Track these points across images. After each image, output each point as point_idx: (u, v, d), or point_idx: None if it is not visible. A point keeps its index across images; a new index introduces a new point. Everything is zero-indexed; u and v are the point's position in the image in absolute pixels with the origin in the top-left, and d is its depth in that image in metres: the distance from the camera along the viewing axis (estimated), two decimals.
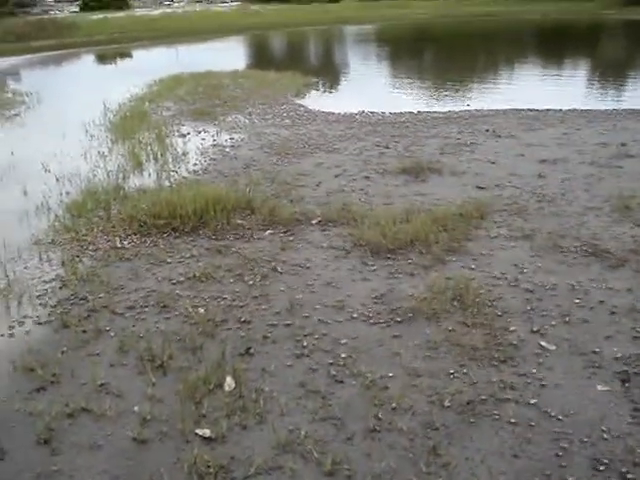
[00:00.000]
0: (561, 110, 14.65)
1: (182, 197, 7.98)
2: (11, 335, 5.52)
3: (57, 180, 10.07)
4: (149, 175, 10.36)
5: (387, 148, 11.40)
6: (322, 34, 48.53)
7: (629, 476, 3.68)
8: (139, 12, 70.80)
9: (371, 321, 5.46)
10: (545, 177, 9.24)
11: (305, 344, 5.15)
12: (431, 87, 20.97)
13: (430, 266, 6.44)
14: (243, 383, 4.64)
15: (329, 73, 25.61)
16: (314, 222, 7.74)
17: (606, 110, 14.85)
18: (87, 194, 9.01)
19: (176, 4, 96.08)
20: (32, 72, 30.40)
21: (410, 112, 15.18)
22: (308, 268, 6.57)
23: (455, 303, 5.64)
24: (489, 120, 13.72)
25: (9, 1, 67.01)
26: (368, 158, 10.71)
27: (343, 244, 7.09)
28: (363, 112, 15.28)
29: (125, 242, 7.42)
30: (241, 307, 5.78)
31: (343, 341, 5.17)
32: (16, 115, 16.88)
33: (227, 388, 4.60)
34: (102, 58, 36.63)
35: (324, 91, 20.62)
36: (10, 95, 20.64)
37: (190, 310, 5.72)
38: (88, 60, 36.34)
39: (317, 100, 17.88)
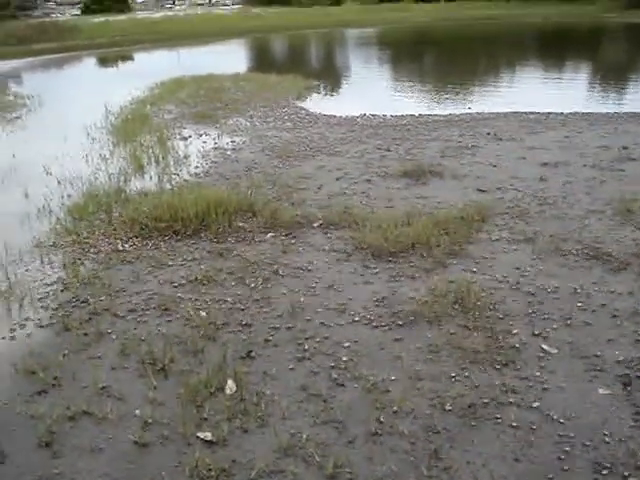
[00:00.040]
0: (563, 113, 14.63)
1: (183, 200, 7.98)
2: (12, 338, 5.52)
3: (58, 183, 10.08)
4: (150, 178, 10.37)
5: (388, 151, 11.39)
6: (323, 37, 48.56)
7: None
8: (140, 15, 70.78)
9: (372, 324, 5.45)
10: (547, 180, 9.23)
11: (306, 347, 5.14)
12: (432, 90, 20.97)
13: (431, 269, 6.44)
14: (244, 386, 4.64)
15: (330, 76, 25.62)
16: (316, 225, 7.73)
17: (608, 113, 14.84)
18: (88, 197, 9.02)
19: (177, 7, 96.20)
20: (34, 75, 30.43)
21: (411, 115, 15.18)
22: (310, 271, 6.57)
23: (456, 306, 5.64)
24: (490, 123, 13.71)
25: (11, 4, 67.04)
26: (369, 161, 10.71)
27: (344, 247, 7.09)
28: (364, 115, 15.27)
29: (126, 245, 7.42)
30: (242, 310, 5.78)
31: (344, 344, 5.16)
32: (18, 118, 16.89)
33: (228, 391, 4.60)
34: (104, 61, 36.67)
35: (325, 94, 20.64)
36: (12, 98, 20.66)
37: (191, 313, 5.71)
38: (90, 63, 36.39)
39: (318, 103, 17.89)
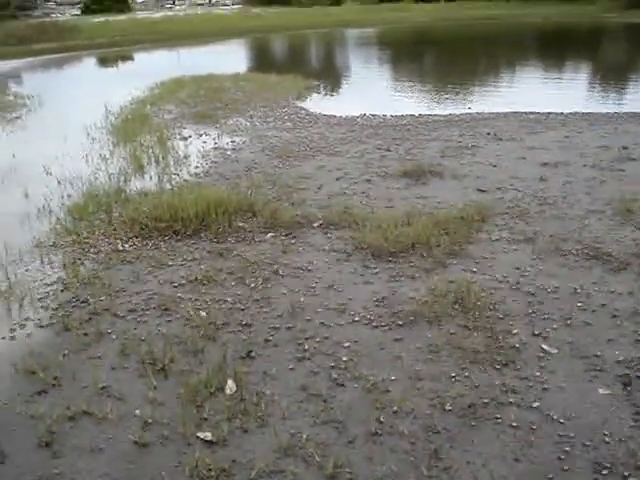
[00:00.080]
0: (563, 113, 14.64)
1: (183, 200, 7.98)
2: (12, 338, 5.52)
3: (58, 183, 10.08)
4: (150, 178, 10.37)
5: (388, 151, 11.40)
6: (323, 37, 48.57)
7: None
8: (140, 15, 70.79)
9: (372, 324, 5.45)
10: (547, 180, 9.23)
11: (306, 347, 5.14)
12: (432, 90, 20.97)
13: (431, 269, 6.44)
14: (244, 386, 4.64)
15: (330, 76, 25.63)
16: (316, 225, 7.73)
17: (608, 113, 14.84)
18: (88, 197, 9.02)
19: (177, 7, 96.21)
20: (34, 75, 30.44)
21: (411, 115, 15.18)
22: (310, 271, 6.57)
23: (456, 306, 5.64)
24: (490, 123, 13.71)
25: (11, 4, 67.05)
26: (369, 161, 10.71)
27: (344, 247, 7.09)
28: (364, 115, 15.28)
29: (127, 245, 7.42)
30: (242, 310, 5.78)
31: (344, 344, 5.16)
32: (18, 118, 16.89)
33: (228, 391, 4.60)
34: (104, 61, 36.67)
35: (325, 94, 20.63)
36: (12, 98, 20.66)
37: (191, 313, 5.71)
38: (90, 63, 36.39)
39: (318, 103, 17.89)
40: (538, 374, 4.68)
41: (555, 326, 5.31)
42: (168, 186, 9.57)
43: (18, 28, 47.08)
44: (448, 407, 4.35)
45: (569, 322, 5.37)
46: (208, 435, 4.16)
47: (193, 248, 7.27)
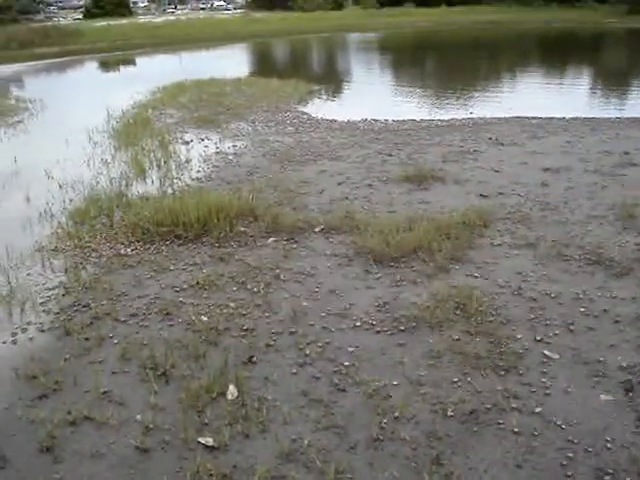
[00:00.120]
0: (564, 118, 14.66)
1: (185, 204, 7.97)
2: (14, 342, 5.52)
3: (60, 187, 10.08)
4: (152, 182, 10.37)
5: (390, 156, 11.39)
6: (325, 42, 48.64)
7: None
8: (142, 19, 70.98)
9: (374, 329, 5.44)
10: (548, 185, 9.23)
11: (308, 352, 5.14)
12: (434, 95, 20.97)
13: (433, 275, 6.43)
14: (246, 392, 4.64)
15: (332, 81, 25.63)
16: (317, 230, 7.73)
17: (609, 118, 14.86)
18: (90, 201, 9.01)
19: (179, 11, 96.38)
20: (35, 79, 30.49)
21: (413, 120, 15.20)
22: (311, 276, 6.56)
23: (458, 312, 5.63)
24: (492, 128, 13.72)
25: (12, 8, 67.18)
26: (371, 166, 10.71)
27: (346, 252, 7.08)
28: (366, 120, 15.30)
29: (128, 249, 7.42)
30: (244, 315, 5.77)
31: (346, 349, 5.16)
32: (19, 122, 16.90)
33: (230, 397, 4.59)
34: (105, 65, 36.71)
35: (327, 99, 20.62)
36: (13, 102, 20.69)
37: (193, 318, 5.71)
38: (91, 67, 36.42)
39: (320, 108, 17.89)
40: (540, 380, 4.68)
41: (557, 332, 5.31)
42: (170, 190, 9.57)
43: (20, 32, 47.18)
44: (450, 413, 4.34)
45: (571, 328, 5.36)
46: (209, 440, 4.15)
47: (195, 253, 7.26)
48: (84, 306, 6.07)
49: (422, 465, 3.89)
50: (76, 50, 41.42)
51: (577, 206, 8.33)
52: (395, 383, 4.70)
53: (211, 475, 3.83)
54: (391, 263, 6.72)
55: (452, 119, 15.32)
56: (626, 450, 3.95)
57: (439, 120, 15.20)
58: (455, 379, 4.72)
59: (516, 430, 4.15)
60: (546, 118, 14.69)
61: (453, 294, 5.88)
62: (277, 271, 6.67)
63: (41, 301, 6.23)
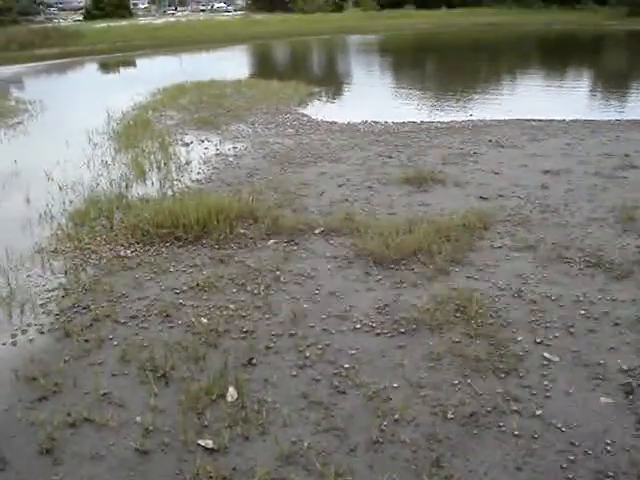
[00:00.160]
0: (564, 120, 14.67)
1: (185, 206, 7.97)
2: (13, 344, 5.51)
3: (60, 188, 10.08)
4: (152, 184, 10.36)
5: (390, 158, 11.40)
6: (325, 44, 48.69)
7: None
8: (142, 21, 71.02)
9: (374, 332, 5.44)
10: (549, 188, 9.23)
11: (308, 354, 5.13)
12: (434, 97, 20.98)
13: (433, 277, 6.43)
14: (245, 394, 4.63)
15: (332, 83, 25.66)
16: (317, 232, 7.72)
17: (609, 121, 14.88)
18: (90, 203, 9.01)
19: (179, 13, 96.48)
20: (35, 80, 30.52)
21: (413, 122, 15.22)
22: (311, 278, 6.56)
23: (458, 314, 5.62)
24: (492, 130, 13.73)
25: (12, 9, 67.23)
26: (371, 168, 10.71)
27: (346, 254, 7.08)
28: (366, 122, 15.31)
29: (128, 251, 7.42)
30: (244, 317, 5.77)
31: (346, 352, 5.15)
32: (19, 123, 16.90)
33: (229, 399, 4.59)
34: (105, 66, 36.74)
35: (327, 101, 20.64)
36: (13, 103, 20.69)
37: (193, 320, 5.71)
38: (92, 68, 36.45)
39: (320, 110, 17.90)
40: (540, 382, 4.67)
41: (557, 334, 5.30)
42: (170, 192, 9.57)
43: (20, 33, 47.23)
44: (450, 415, 4.34)
45: (571, 330, 5.36)
46: (209, 442, 4.15)
47: (195, 254, 7.26)
48: (84, 308, 6.06)
49: (422, 468, 3.88)
50: (76, 51, 41.46)
51: (577, 208, 8.32)
52: (395, 385, 4.69)
53: (211, 477, 3.83)
54: (391, 265, 6.72)
55: (452, 121, 15.33)
56: (626, 453, 3.94)
57: (439, 122, 15.23)
58: (455, 381, 4.71)
59: (516, 433, 4.15)
60: (546, 120, 14.70)
61: (453, 296, 5.88)
62: (277, 273, 6.66)
63: (41, 303, 6.23)
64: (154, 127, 15.01)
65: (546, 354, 5.02)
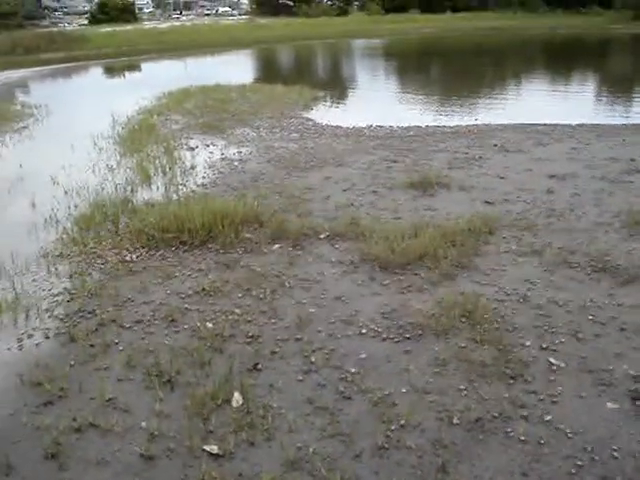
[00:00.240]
0: (570, 125, 14.63)
1: (190, 211, 7.97)
2: (19, 348, 5.51)
3: (65, 193, 10.09)
4: (157, 188, 10.37)
5: (395, 162, 11.39)
6: (330, 48, 48.73)
7: None
8: (147, 25, 71.16)
9: (380, 337, 5.43)
10: (554, 192, 9.21)
11: (313, 360, 5.12)
12: (439, 101, 20.99)
13: (439, 282, 6.41)
14: (251, 399, 4.62)
15: (337, 87, 25.67)
16: (322, 236, 7.72)
17: (615, 125, 14.87)
18: (95, 207, 9.01)
19: (184, 17, 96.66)
20: (41, 84, 30.59)
21: (418, 126, 15.20)
22: (317, 282, 6.55)
23: (464, 319, 5.61)
24: (497, 135, 13.71)
25: (18, 14, 67.45)
26: (376, 172, 10.70)
27: (351, 259, 7.07)
28: (371, 126, 15.30)
29: (133, 256, 7.42)
30: (249, 322, 5.76)
31: (352, 357, 5.14)
32: (25, 127, 16.94)
33: (235, 404, 4.58)
34: (111, 71, 36.82)
35: (332, 105, 20.66)
36: (19, 107, 20.74)
37: (198, 324, 5.70)
38: (97, 73, 36.53)
39: (325, 114, 17.92)
40: (546, 388, 4.66)
41: (563, 339, 5.29)
42: (175, 197, 9.57)
43: (26, 38, 47.39)
44: (456, 421, 4.33)
45: (577, 335, 5.34)
46: (214, 448, 4.14)
47: (200, 259, 7.26)
48: (89, 312, 6.06)
49: (428, 473, 3.87)
50: (81, 56, 41.55)
51: (583, 213, 8.31)
52: (401, 391, 4.68)
53: None
54: (396, 270, 6.71)
55: (457, 125, 15.32)
56: (633, 459, 3.93)
57: (444, 126, 15.21)
58: (461, 387, 4.70)
59: (522, 438, 4.14)
60: (551, 125, 14.67)
61: (459, 301, 5.86)
62: (282, 278, 6.66)
63: (46, 307, 6.23)
64: (159, 131, 15.04)
65: (552, 359, 5.00)
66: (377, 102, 21.07)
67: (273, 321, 5.77)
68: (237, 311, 5.95)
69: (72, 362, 5.22)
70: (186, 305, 6.13)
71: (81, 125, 16.55)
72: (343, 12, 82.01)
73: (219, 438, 4.24)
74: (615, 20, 58.34)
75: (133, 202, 9.35)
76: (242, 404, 4.57)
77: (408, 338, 5.39)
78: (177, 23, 75.12)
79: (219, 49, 46.39)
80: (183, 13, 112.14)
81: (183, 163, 11.77)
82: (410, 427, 4.29)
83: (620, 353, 5.08)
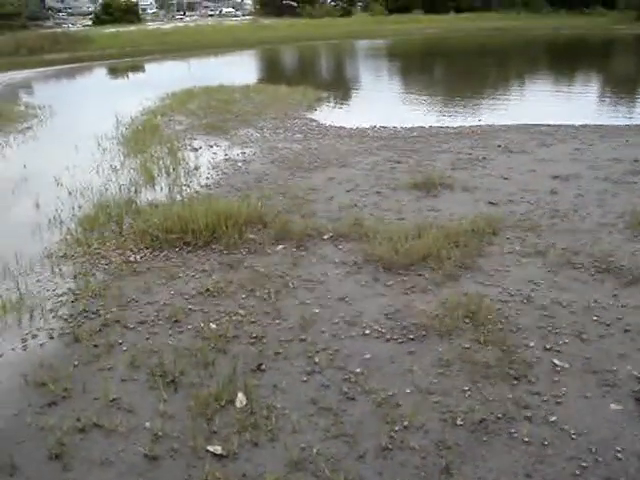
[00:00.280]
0: (573, 125, 14.62)
1: (194, 211, 7.98)
2: (23, 349, 5.52)
3: (69, 193, 10.11)
4: (161, 189, 10.38)
5: (399, 163, 11.39)
6: (333, 48, 48.73)
7: None
8: (151, 26, 71.21)
9: (384, 337, 5.43)
10: (558, 193, 9.20)
11: (317, 360, 5.13)
12: (442, 102, 20.97)
13: (443, 283, 6.41)
14: (255, 400, 4.63)
15: (340, 88, 25.66)
16: (326, 237, 7.72)
17: (619, 126, 14.85)
18: (99, 208, 9.03)
19: (188, 18, 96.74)
20: (45, 85, 30.63)
21: (421, 127, 15.20)
22: (320, 283, 6.55)
23: (468, 320, 5.61)
24: (501, 135, 13.70)
25: (22, 14, 67.52)
26: (380, 173, 10.70)
27: (355, 259, 7.07)
28: (375, 127, 15.30)
29: (137, 256, 7.43)
30: (253, 322, 5.77)
31: (356, 357, 5.14)
32: (29, 128, 16.96)
33: (238, 404, 4.59)
34: (114, 71, 36.83)
35: (336, 106, 20.65)
36: (23, 108, 20.77)
37: (202, 325, 5.71)
38: (100, 73, 36.55)
39: (329, 115, 17.91)
40: (550, 389, 4.65)
41: (567, 340, 5.28)
42: (179, 197, 9.58)
43: (29, 38, 47.43)
44: (459, 422, 4.33)
45: (581, 336, 5.33)
46: (218, 448, 4.14)
47: (204, 260, 7.26)
48: (93, 313, 6.07)
49: (431, 474, 3.87)
50: (85, 56, 41.59)
51: (587, 214, 8.30)
52: (405, 391, 4.68)
53: None
54: (400, 271, 6.71)
55: (461, 126, 15.30)
56: (636, 460, 3.93)
57: (448, 127, 15.20)
58: (465, 388, 4.70)
59: (526, 439, 4.14)
60: (555, 125, 14.66)
61: (463, 302, 5.86)
62: (286, 278, 6.66)
63: (50, 307, 6.24)
64: (163, 132, 15.05)
65: (556, 360, 5.00)
66: (381, 103, 21.08)
67: (277, 322, 5.77)
68: (241, 312, 5.95)
69: (76, 362, 5.23)
70: (190, 306, 6.13)
71: (85, 126, 16.57)
72: (346, 13, 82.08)
73: (223, 438, 4.24)
74: (618, 20, 58.28)
75: (137, 203, 9.36)
76: (246, 405, 4.58)
77: (412, 339, 5.39)
78: (180, 24, 75.14)
79: (223, 50, 46.41)
80: (187, 14, 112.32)
81: (187, 164, 11.79)
82: (414, 428, 4.29)
83: (624, 354, 5.07)
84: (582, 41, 47.18)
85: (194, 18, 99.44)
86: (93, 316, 6.01)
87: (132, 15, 79.60)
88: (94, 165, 11.92)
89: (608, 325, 5.51)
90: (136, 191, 10.13)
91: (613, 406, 4.46)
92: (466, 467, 3.93)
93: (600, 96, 22.18)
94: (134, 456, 4.13)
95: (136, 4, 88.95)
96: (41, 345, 5.57)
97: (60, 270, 7.17)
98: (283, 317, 5.85)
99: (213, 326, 5.69)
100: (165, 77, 31.91)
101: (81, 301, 6.33)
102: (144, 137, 14.20)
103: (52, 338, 5.67)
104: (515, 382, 4.75)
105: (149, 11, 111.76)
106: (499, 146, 12.51)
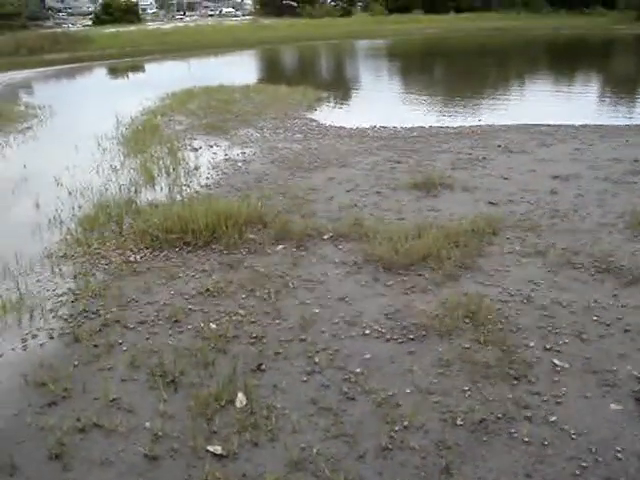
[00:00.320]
0: (573, 125, 14.62)
1: (194, 211, 7.97)
2: (23, 349, 5.52)
3: (69, 193, 10.11)
4: (161, 189, 10.38)
5: (399, 163, 11.39)
6: (333, 48, 48.73)
7: None
8: (151, 26, 71.20)
9: (384, 337, 5.43)
10: (558, 193, 9.20)
11: (317, 360, 5.12)
12: (442, 102, 20.96)
13: (443, 283, 6.41)
14: (255, 400, 4.63)
15: (340, 88, 25.65)
16: (326, 237, 7.72)
17: (619, 126, 14.84)
18: (99, 208, 9.03)
19: (188, 18, 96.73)
20: (45, 85, 30.63)
21: (422, 127, 15.20)
22: (320, 283, 6.55)
23: (468, 320, 5.61)
24: (501, 135, 13.70)
25: (22, 14, 67.51)
26: (380, 173, 10.70)
27: (355, 259, 7.07)
28: (375, 127, 15.30)
29: (137, 256, 7.42)
30: (253, 322, 5.76)
31: (356, 357, 5.14)
32: (29, 128, 16.95)
33: (238, 404, 4.59)
34: (114, 71, 36.83)
35: (336, 106, 20.65)
36: (23, 108, 20.77)
37: (202, 325, 5.71)
38: (101, 73, 36.55)
39: (329, 115, 17.91)
40: (550, 389, 4.65)
41: (567, 340, 5.28)
42: (179, 197, 9.58)
43: (29, 38, 47.43)
44: (459, 422, 4.33)
45: (581, 336, 5.33)
46: (218, 448, 4.14)
47: (204, 260, 7.26)
48: (93, 313, 6.07)
49: (431, 474, 3.87)
50: (85, 56, 41.59)
51: (587, 214, 8.30)
52: (405, 391, 4.68)
53: None
54: (400, 271, 6.71)
55: (461, 126, 15.30)
56: (636, 460, 3.93)
57: (448, 127, 15.20)
58: (465, 388, 4.70)
59: (526, 439, 4.13)
60: (555, 125, 14.66)
61: (463, 302, 5.86)
62: (286, 278, 6.66)
63: (50, 307, 6.24)
64: (163, 132, 15.04)
65: (556, 360, 5.00)
66: (381, 103, 21.08)
67: (277, 322, 5.77)
68: (241, 312, 5.95)
69: (76, 362, 5.23)
70: (190, 306, 6.13)
71: (85, 126, 16.57)
72: (346, 13, 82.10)
73: (223, 438, 4.24)
74: (618, 20, 58.30)
75: (137, 203, 9.36)
76: (246, 405, 4.58)
77: (412, 339, 5.39)
78: (180, 24, 75.13)
79: (223, 50, 46.41)
80: (187, 14, 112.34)
81: (187, 164, 11.79)
82: (414, 428, 4.29)
83: (624, 354, 5.07)
84: (582, 41, 47.18)
85: (194, 18, 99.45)
86: (93, 316, 6.01)
87: (132, 15, 79.62)
88: (94, 165, 11.91)
89: (608, 325, 5.51)
90: (136, 191, 10.13)
91: (613, 406, 4.46)
92: (466, 467, 3.93)
93: (600, 96, 22.18)
94: (134, 456, 4.13)
95: (136, 4, 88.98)
96: (41, 345, 5.57)
97: (60, 270, 7.17)
98: (283, 317, 5.85)
99: (213, 326, 5.69)
100: (165, 77, 31.91)
101: (81, 301, 6.33)
102: (144, 137, 14.20)
103: (52, 338, 5.67)
104: (515, 382, 4.75)
105: (149, 11, 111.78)
106: (499, 146, 12.51)
